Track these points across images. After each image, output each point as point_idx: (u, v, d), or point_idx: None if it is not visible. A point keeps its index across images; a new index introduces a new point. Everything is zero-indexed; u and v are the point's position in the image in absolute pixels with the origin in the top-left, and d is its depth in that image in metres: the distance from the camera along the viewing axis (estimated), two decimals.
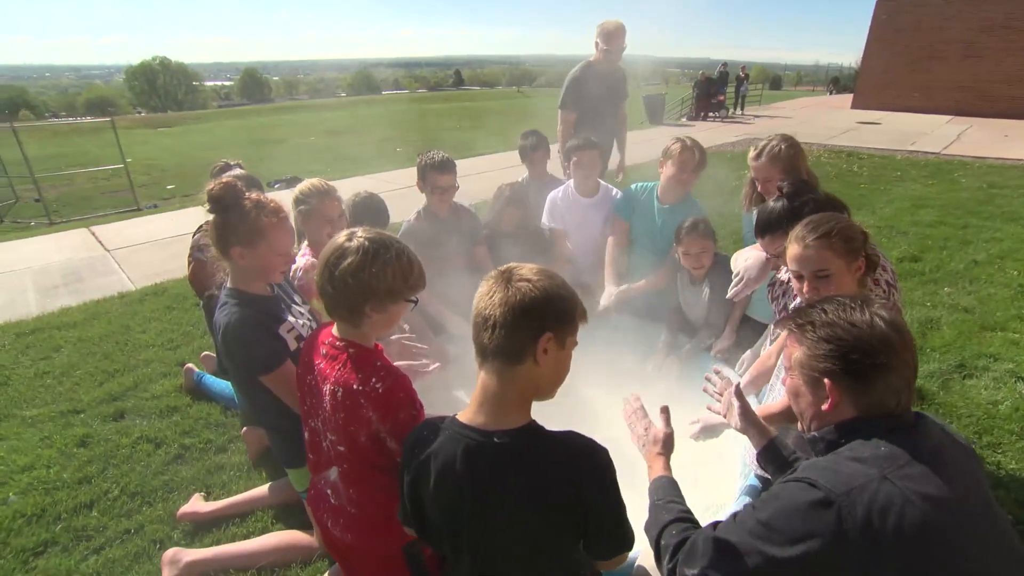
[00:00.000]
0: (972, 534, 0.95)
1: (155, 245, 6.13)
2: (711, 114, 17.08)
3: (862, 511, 0.91)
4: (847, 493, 0.93)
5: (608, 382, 2.91)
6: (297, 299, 1.99)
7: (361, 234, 1.32)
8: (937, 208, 6.47)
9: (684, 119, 16.76)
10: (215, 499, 2.33)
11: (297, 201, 2.23)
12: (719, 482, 2.15)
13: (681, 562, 1.11)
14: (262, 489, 2.29)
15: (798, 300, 1.90)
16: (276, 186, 9.93)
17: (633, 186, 3.11)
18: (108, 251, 6.08)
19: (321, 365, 1.37)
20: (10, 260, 5.71)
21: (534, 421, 1.13)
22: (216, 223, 1.65)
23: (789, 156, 2.39)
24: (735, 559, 1.02)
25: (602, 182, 3.21)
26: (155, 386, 3.27)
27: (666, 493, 1.31)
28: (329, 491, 1.47)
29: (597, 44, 3.84)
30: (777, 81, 42.67)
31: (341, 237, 1.33)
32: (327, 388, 1.33)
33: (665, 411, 1.56)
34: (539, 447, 1.09)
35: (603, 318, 3.09)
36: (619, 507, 1.15)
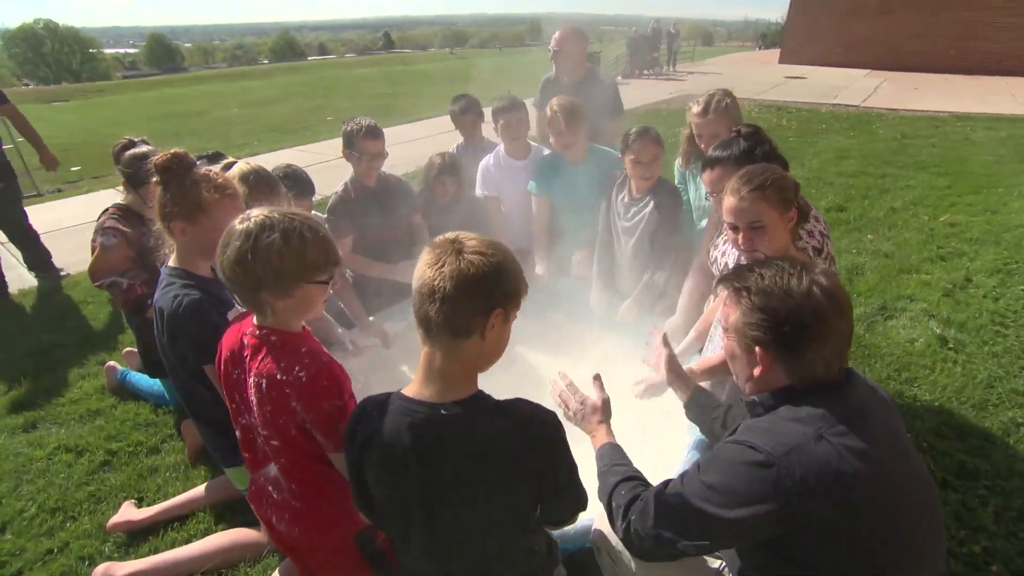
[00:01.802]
0: (893, 476, 1.00)
1: (62, 234, 5.58)
2: (645, 71, 17.16)
3: (800, 471, 0.94)
4: (785, 454, 0.96)
5: (552, 348, 2.92)
6: None
7: (253, 215, 1.20)
8: (858, 159, 6.79)
9: (619, 77, 16.75)
10: (149, 505, 2.17)
11: (243, 184, 1.98)
12: (667, 437, 2.20)
13: (634, 520, 1.14)
14: (199, 489, 2.16)
15: (736, 255, 1.95)
16: (199, 162, 9.23)
17: (544, 155, 3.05)
18: (1, 243, 5.48)
19: (245, 356, 1.27)
20: None
21: (481, 391, 1.10)
22: (160, 195, 1.54)
23: (735, 109, 2.40)
24: (684, 519, 1.05)
25: (532, 143, 3.14)
26: (72, 390, 3.01)
27: (611, 458, 1.32)
28: (270, 487, 1.39)
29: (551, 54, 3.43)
30: (709, 37, 43.25)
31: (236, 220, 1.21)
32: (251, 381, 1.23)
33: (597, 379, 1.56)
34: (487, 416, 1.07)
35: (540, 286, 3.07)
36: (571, 468, 1.16)
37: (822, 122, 9.21)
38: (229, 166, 1.96)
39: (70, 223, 5.90)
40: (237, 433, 1.39)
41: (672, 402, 2.04)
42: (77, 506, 2.23)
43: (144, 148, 2.63)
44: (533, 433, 1.07)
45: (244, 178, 1.92)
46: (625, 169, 2.54)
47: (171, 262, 1.62)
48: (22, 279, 4.53)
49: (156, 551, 1.96)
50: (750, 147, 1.94)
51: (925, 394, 2.59)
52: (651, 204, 2.49)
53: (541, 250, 3.03)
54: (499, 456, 1.06)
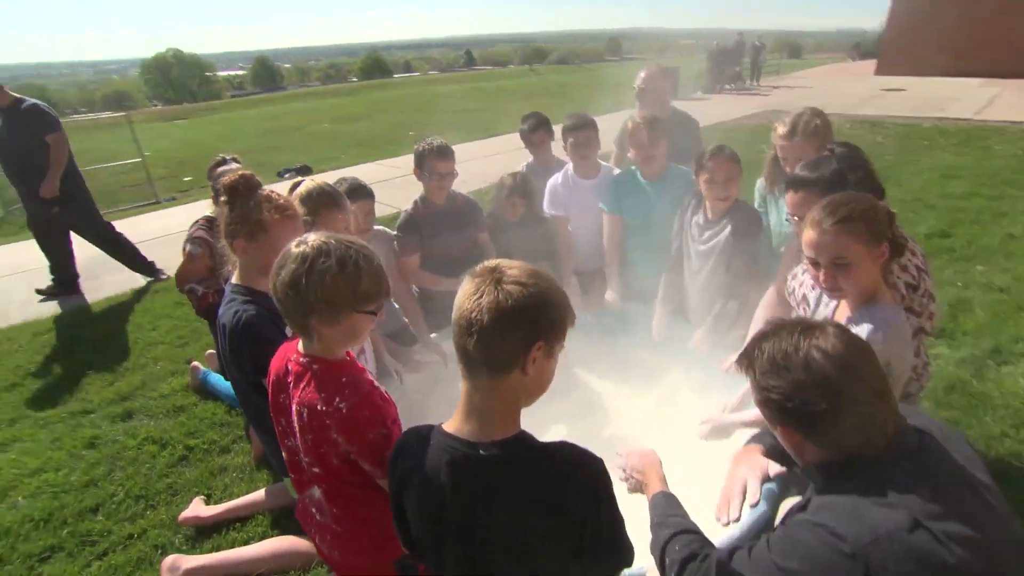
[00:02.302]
0: (1003, 557, 0.86)
1: (168, 239, 6.15)
2: (727, 86, 16.54)
3: (894, 565, 0.82)
4: (873, 543, 0.84)
5: (615, 375, 2.82)
6: None
7: (310, 239, 1.22)
8: (969, 178, 6.14)
9: (699, 92, 16.26)
10: (216, 502, 2.31)
11: (303, 203, 2.03)
12: None
13: None
14: (260, 493, 2.26)
15: (816, 291, 1.78)
16: (287, 175, 9.91)
17: (616, 174, 2.95)
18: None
19: (289, 383, 1.29)
20: (30, 259, 5.78)
21: (524, 431, 1.05)
22: (225, 213, 1.62)
23: (825, 130, 2.19)
24: None
25: (603, 163, 3.07)
26: (163, 385, 3.27)
27: (665, 509, 1.24)
28: (314, 508, 1.41)
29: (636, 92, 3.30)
30: (797, 50, 40.83)
31: (292, 243, 1.23)
32: (294, 408, 1.25)
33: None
34: (529, 459, 1.01)
35: (607, 310, 2.98)
36: (615, 520, 1.08)
37: (924, 138, 8.45)
38: (296, 185, 2.04)
39: (177, 230, 6.47)
40: (284, 455, 1.42)
41: (739, 445, 1.90)
42: (156, 496, 2.41)
43: (233, 165, 2.81)
44: (576, 481, 1.00)
45: (305, 198, 1.99)
46: (700, 190, 2.41)
47: (234, 278, 1.69)
48: (134, 280, 5.02)
49: (218, 548, 2.08)
50: (842, 170, 1.76)
51: None
52: (728, 228, 2.35)
53: (612, 271, 2.93)
54: (538, 504, 0.99)
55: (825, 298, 1.74)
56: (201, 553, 2.05)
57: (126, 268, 5.42)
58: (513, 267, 0.98)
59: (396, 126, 16.81)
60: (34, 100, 4.40)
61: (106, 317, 4.30)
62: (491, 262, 1.01)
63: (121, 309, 4.43)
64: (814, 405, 0.90)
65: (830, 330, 0.95)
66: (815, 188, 1.74)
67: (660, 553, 1.15)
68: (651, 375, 2.74)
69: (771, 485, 1.83)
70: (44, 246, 4.67)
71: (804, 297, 1.88)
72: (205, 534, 2.18)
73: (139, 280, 5.05)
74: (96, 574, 2.08)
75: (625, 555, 1.11)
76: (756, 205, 2.65)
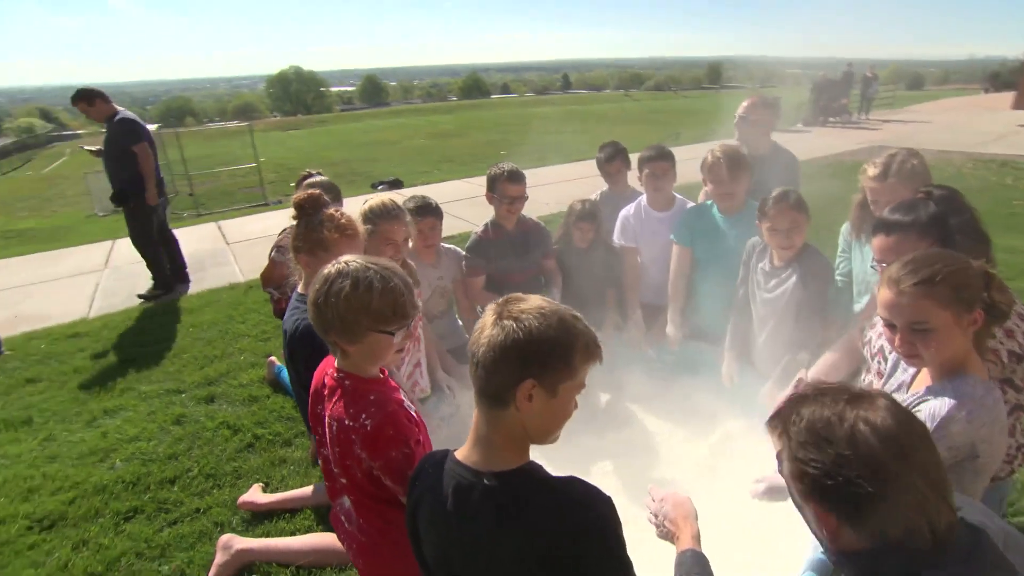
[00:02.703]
0: None
1: (267, 240, 6.69)
2: (831, 119, 15.49)
3: None
4: None
5: (671, 415, 2.72)
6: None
7: (340, 261, 1.30)
8: None
9: (800, 124, 15.36)
10: (273, 491, 2.47)
11: (365, 218, 2.22)
12: (787, 544, 1.90)
13: None
14: (308, 489, 2.39)
15: (892, 354, 1.62)
16: (379, 188, 10.51)
17: (690, 206, 2.87)
18: (228, 244, 6.77)
19: (325, 395, 1.37)
20: None
21: (531, 463, 1.05)
22: (294, 229, 1.77)
23: (922, 173, 2.00)
24: None
25: (677, 195, 2.99)
26: (244, 374, 3.56)
27: (690, 569, 1.17)
28: (343, 517, 1.48)
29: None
30: (918, 81, 37.23)
31: (329, 264, 1.32)
32: (327, 420, 1.33)
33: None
34: (531, 494, 1.01)
35: (666, 347, 2.88)
36: (618, 565, 1.03)
37: None
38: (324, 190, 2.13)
39: (275, 231, 7.03)
40: (319, 463, 1.50)
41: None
42: (223, 477, 2.62)
43: (318, 179, 3.02)
44: (578, 520, 0.98)
45: (367, 212, 2.13)
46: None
47: (300, 288, 1.82)
48: (233, 275, 5.53)
49: (267, 534, 2.22)
50: (941, 214, 1.59)
51: None
52: (794, 276, 2.21)
53: (674, 306, 2.85)
54: (537, 540, 0.98)
55: (904, 363, 1.58)
56: (253, 536, 2.20)
57: (230, 261, 6.00)
58: (524, 302, 0.99)
59: (488, 144, 17.33)
60: (126, 114, 4.78)
61: (204, 307, 4.76)
62: (511, 296, 1.02)
63: (217, 301, 4.89)
64: (858, 487, 0.79)
65: (881, 403, 0.85)
66: (910, 232, 1.58)
67: None
68: (710, 421, 2.62)
69: (821, 555, 1.69)
70: (137, 248, 5.06)
71: (881, 349, 1.71)
72: (258, 519, 2.34)
73: (238, 275, 5.55)
74: (166, 539, 2.29)
75: None
76: (839, 251, 2.47)
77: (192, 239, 7.02)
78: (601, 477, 2.38)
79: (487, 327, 0.98)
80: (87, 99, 4.62)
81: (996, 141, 11.04)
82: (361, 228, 1.82)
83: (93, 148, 5.16)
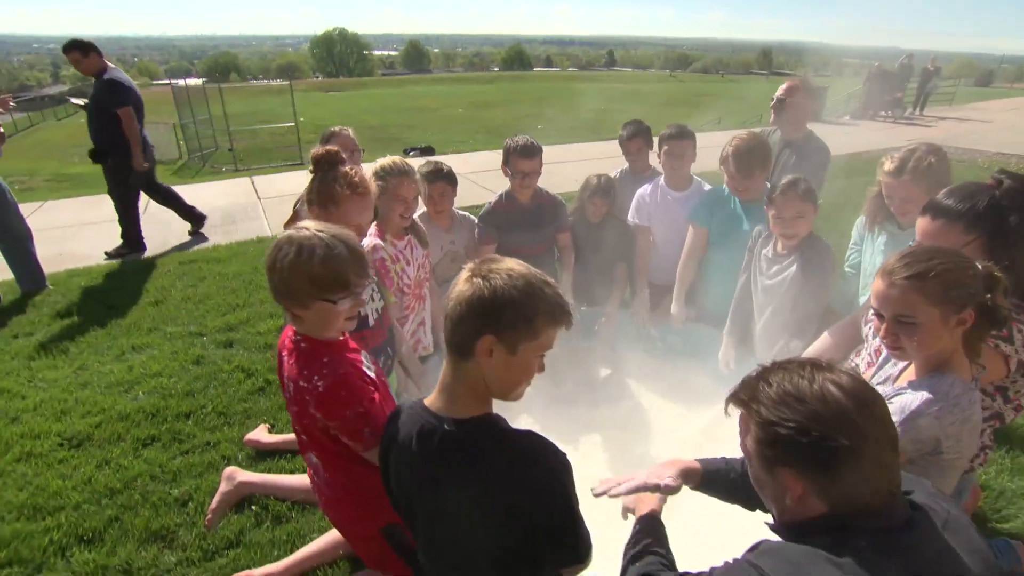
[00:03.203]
0: None
1: (297, 197, 6.88)
2: (881, 112, 14.69)
3: None
4: None
5: (667, 393, 2.76)
6: (369, 270, 2.11)
7: (298, 226, 1.33)
8: None
9: (847, 117, 14.66)
10: (277, 432, 2.62)
11: (376, 176, 2.28)
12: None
13: None
14: None
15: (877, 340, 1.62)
16: (411, 153, 10.60)
17: (707, 188, 2.85)
18: (260, 199, 6.97)
19: (284, 356, 1.44)
20: (192, 200, 6.79)
21: (492, 415, 1.11)
22: (312, 182, 1.83)
23: (940, 170, 1.92)
24: None
25: (695, 177, 2.96)
26: (262, 323, 3.73)
27: (643, 529, 1.23)
28: (312, 471, 1.57)
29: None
30: (986, 76, 34.77)
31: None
32: (284, 381, 1.41)
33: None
34: (486, 442, 1.08)
35: (670, 327, 2.90)
36: (567, 516, 1.09)
37: None
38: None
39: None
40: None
41: None
42: (234, 416, 2.78)
43: (340, 131, 3.02)
44: (529, 471, 1.04)
45: (379, 169, 2.21)
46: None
47: None
48: (262, 229, 5.72)
49: (269, 471, 2.37)
50: (999, 209, 1.47)
51: None
52: (796, 265, 2.20)
53: (680, 285, 2.85)
54: (490, 487, 1.05)
55: (890, 355, 1.58)
56: (256, 471, 2.35)
57: (261, 216, 6.20)
58: (497, 263, 1.04)
59: (527, 117, 17.19)
60: (115, 74, 4.62)
61: (232, 258, 4.95)
62: (488, 256, 1.07)
63: (245, 253, 5.07)
64: (833, 440, 0.82)
65: (843, 369, 0.89)
66: (959, 221, 1.49)
67: (623, 570, 1.15)
68: (703, 402, 2.64)
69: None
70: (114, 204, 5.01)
71: (868, 347, 1.72)
72: (261, 456, 2.49)
73: (266, 229, 5.74)
74: (178, 465, 2.47)
75: (579, 552, 1.13)
76: (851, 242, 2.44)
77: (226, 193, 7.26)
78: (589, 448, 2.45)
79: (460, 283, 1.03)
80: (82, 49, 4.49)
81: None
82: (374, 187, 1.87)
83: (80, 102, 5.13)
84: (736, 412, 0.97)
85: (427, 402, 1.14)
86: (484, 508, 1.07)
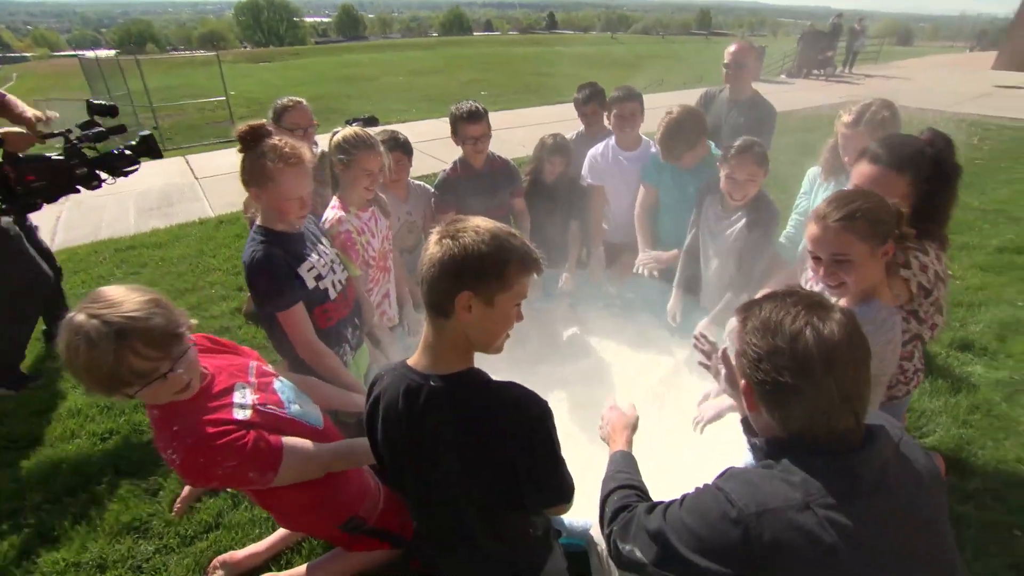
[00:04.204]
0: (888, 568, 0.88)
1: (237, 175, 6.56)
2: (814, 71, 15.31)
3: (770, 535, 0.87)
4: (758, 514, 0.89)
5: (627, 347, 2.88)
6: (324, 240, 2.07)
7: (79, 313, 1.19)
8: None
9: (783, 75, 15.19)
10: None
11: (338, 148, 2.19)
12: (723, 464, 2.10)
13: (616, 532, 1.15)
14: None
15: (821, 286, 1.76)
16: (355, 124, 10.21)
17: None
18: (197, 179, 6.61)
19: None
20: (121, 182, 6.35)
21: (474, 369, 1.16)
22: (243, 162, 1.75)
23: (893, 124, 2.08)
24: (656, 548, 1.03)
25: (644, 136, 3.04)
26: (215, 307, 3.61)
27: (617, 466, 1.32)
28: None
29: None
30: (907, 35, 36.62)
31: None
32: None
33: (632, 407, 1.56)
34: (472, 395, 1.13)
35: (634, 281, 3.01)
36: (551, 459, 1.17)
37: None
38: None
39: None
40: None
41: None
42: None
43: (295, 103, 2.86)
44: (513, 419, 1.10)
45: (341, 142, 2.12)
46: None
47: (258, 221, 1.84)
48: (203, 210, 5.46)
49: None
50: (929, 156, 1.62)
51: None
52: (743, 221, 2.33)
53: (643, 234, 2.93)
54: (476, 436, 1.11)
55: (827, 293, 1.73)
56: None
57: (201, 196, 5.90)
58: (462, 222, 1.07)
59: (470, 84, 16.79)
60: None
61: (175, 241, 4.72)
62: (454, 217, 1.10)
63: (188, 235, 4.85)
64: (781, 375, 0.91)
65: (837, 316, 0.93)
66: (894, 166, 1.62)
67: (602, 502, 1.24)
68: (661, 353, 2.79)
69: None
70: None
71: (810, 286, 1.86)
72: None
73: (208, 210, 5.48)
74: (140, 455, 2.41)
75: (563, 492, 1.21)
76: (801, 191, 2.58)
77: (160, 173, 6.83)
78: (555, 404, 2.49)
79: (431, 246, 1.06)
80: None
81: (970, 101, 11.15)
82: (307, 156, 1.79)
83: None
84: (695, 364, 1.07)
85: (410, 362, 1.17)
86: (472, 456, 1.12)
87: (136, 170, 2.73)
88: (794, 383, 0.90)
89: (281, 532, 1.98)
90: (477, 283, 1.04)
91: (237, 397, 1.39)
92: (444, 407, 1.12)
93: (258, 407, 1.41)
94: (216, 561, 1.91)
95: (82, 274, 4.19)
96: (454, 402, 1.12)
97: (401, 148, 2.67)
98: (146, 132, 2.72)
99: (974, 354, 2.99)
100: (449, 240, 1.04)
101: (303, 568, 1.87)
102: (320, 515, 1.62)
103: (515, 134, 7.89)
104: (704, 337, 1.65)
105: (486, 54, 26.94)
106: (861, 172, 1.71)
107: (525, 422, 1.11)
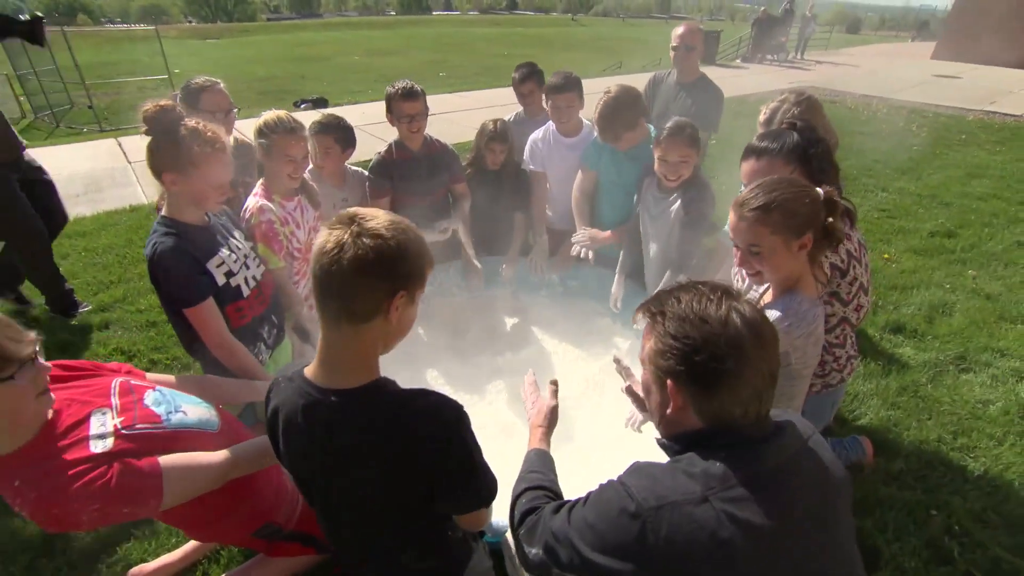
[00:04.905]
0: (788, 557, 0.87)
1: None
2: (768, 57, 15.65)
3: (667, 529, 0.85)
4: (657, 508, 0.86)
5: (569, 336, 2.85)
6: (237, 234, 1.94)
7: None
8: (995, 179, 5.85)
9: (739, 60, 15.46)
10: None
11: (259, 133, 2.09)
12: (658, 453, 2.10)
13: (523, 535, 1.11)
14: None
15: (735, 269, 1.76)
16: (302, 106, 9.84)
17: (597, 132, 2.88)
18: (130, 163, 6.22)
19: None
20: (49, 165, 5.93)
21: (381, 379, 1.08)
22: (150, 145, 1.60)
23: (813, 117, 2.07)
24: (560, 549, 0.99)
25: (586, 121, 2.98)
26: (142, 300, 3.39)
27: (531, 465, 1.27)
28: None
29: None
30: (856, 24, 37.83)
31: None
32: None
33: (554, 383, 1.48)
34: (377, 408, 1.05)
35: (577, 268, 2.97)
36: (468, 466, 1.10)
37: (963, 131, 8.02)
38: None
39: None
40: None
41: None
42: None
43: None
44: (423, 432, 1.03)
45: (263, 126, 2.00)
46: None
47: (163, 211, 1.70)
48: (136, 196, 5.13)
49: None
50: (802, 143, 1.68)
51: (979, 467, 2.24)
52: (679, 202, 2.31)
53: (582, 217, 2.87)
54: (388, 449, 1.03)
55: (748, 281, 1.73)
56: None
57: (133, 182, 5.55)
58: (372, 217, 0.98)
59: (428, 64, 16.44)
60: None
61: (101, 230, 4.42)
62: (350, 211, 1.00)
63: (116, 224, 4.55)
64: (721, 363, 0.88)
65: (747, 301, 0.95)
66: (777, 157, 1.69)
67: (512, 503, 1.20)
68: (603, 343, 2.77)
69: None
70: None
71: (741, 274, 1.86)
72: None
73: (140, 196, 5.15)
74: None
75: (481, 497, 1.15)
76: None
77: (89, 156, 6.41)
78: (495, 395, 2.50)
79: (344, 249, 0.93)
80: None
81: (911, 88, 11.58)
82: (228, 140, 1.70)
83: None
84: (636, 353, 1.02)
85: (308, 373, 1.08)
86: (385, 469, 1.05)
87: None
88: (732, 367, 0.89)
89: (195, 542, 1.87)
90: (409, 281, 0.99)
91: (94, 427, 1.22)
92: (350, 425, 1.04)
93: (122, 431, 1.26)
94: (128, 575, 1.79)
95: None
96: (361, 419, 1.04)
97: (335, 131, 2.53)
98: (39, 16, 2.61)
99: (905, 336, 3.09)
100: (369, 239, 0.94)
101: None
102: (229, 524, 1.52)
103: (473, 116, 7.73)
104: (619, 361, 1.62)
105: (445, 34, 26.43)
106: (747, 170, 1.76)
107: (440, 431, 1.04)
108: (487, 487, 1.17)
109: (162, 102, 1.58)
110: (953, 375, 2.78)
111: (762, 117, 2.16)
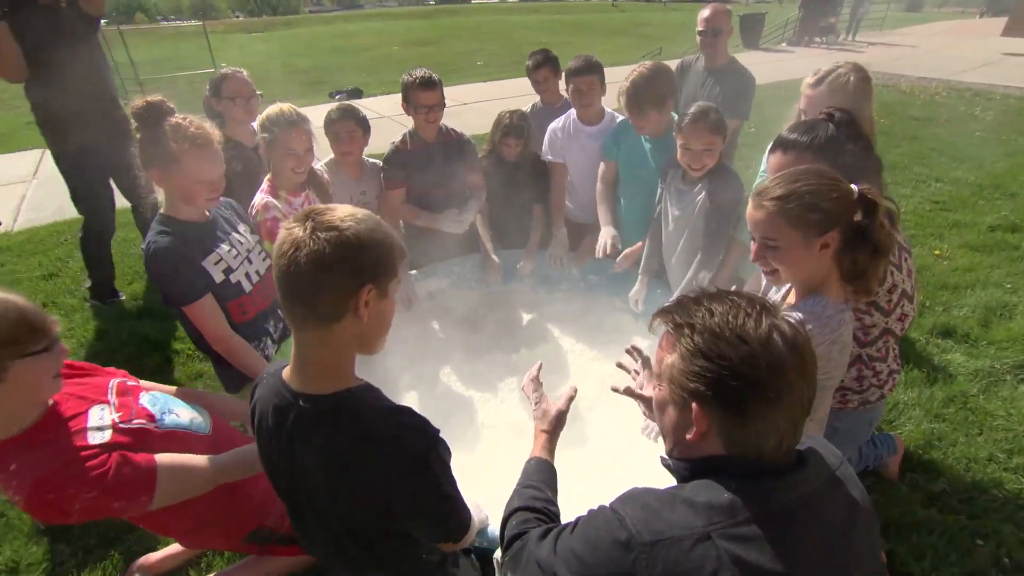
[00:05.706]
0: None
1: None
2: (816, 39, 14.78)
3: (662, 568, 0.75)
4: (652, 544, 0.77)
5: (587, 335, 2.75)
6: (242, 228, 1.93)
7: None
8: None
9: (784, 44, 14.68)
10: None
11: (262, 127, 2.09)
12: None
13: (508, 562, 1.03)
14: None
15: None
16: (337, 97, 9.94)
17: (619, 121, 2.72)
18: None
19: None
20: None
21: (356, 388, 1.02)
22: (140, 141, 1.61)
23: (858, 91, 1.89)
24: None
25: (608, 109, 2.84)
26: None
27: (528, 478, 1.20)
28: None
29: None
30: (917, 2, 35.40)
31: None
32: None
33: (573, 390, 1.39)
34: (338, 426, 0.99)
35: (597, 263, 2.85)
36: (433, 499, 1.03)
37: None
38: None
39: None
40: None
41: None
42: None
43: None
44: (389, 457, 0.97)
45: (265, 119, 1.99)
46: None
47: (162, 208, 1.70)
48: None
49: None
50: (840, 138, 1.52)
51: None
52: (703, 193, 2.15)
53: (604, 210, 2.73)
54: (341, 465, 0.98)
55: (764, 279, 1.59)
56: None
57: None
58: (326, 212, 0.93)
59: (465, 54, 16.39)
60: None
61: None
62: (307, 208, 0.95)
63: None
64: (761, 389, 0.78)
65: (785, 318, 0.83)
66: (805, 152, 1.53)
67: (501, 526, 1.13)
68: (622, 342, 2.64)
69: None
70: None
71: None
72: None
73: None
74: None
75: (449, 532, 1.10)
76: (761, 169, 2.40)
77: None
78: (507, 393, 2.44)
79: (300, 246, 0.89)
80: None
81: (976, 70, 10.73)
82: (216, 135, 1.66)
83: None
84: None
85: (285, 374, 1.04)
86: (341, 489, 1.00)
87: None
88: (773, 396, 0.78)
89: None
90: (375, 274, 0.94)
91: (93, 419, 1.23)
92: (311, 434, 0.99)
93: (120, 425, 1.27)
94: (134, 565, 1.82)
95: (40, 256, 4.06)
96: (319, 436, 0.98)
97: (352, 118, 2.50)
98: None
99: (955, 341, 2.84)
100: (333, 233, 0.89)
101: None
102: (219, 530, 1.51)
103: (507, 105, 7.62)
104: (636, 351, 1.49)
105: (484, 23, 26.28)
106: (773, 164, 1.60)
107: (402, 462, 0.97)
108: (456, 521, 1.10)
109: (150, 98, 1.58)
110: (1011, 386, 2.53)
111: (811, 79, 1.96)
